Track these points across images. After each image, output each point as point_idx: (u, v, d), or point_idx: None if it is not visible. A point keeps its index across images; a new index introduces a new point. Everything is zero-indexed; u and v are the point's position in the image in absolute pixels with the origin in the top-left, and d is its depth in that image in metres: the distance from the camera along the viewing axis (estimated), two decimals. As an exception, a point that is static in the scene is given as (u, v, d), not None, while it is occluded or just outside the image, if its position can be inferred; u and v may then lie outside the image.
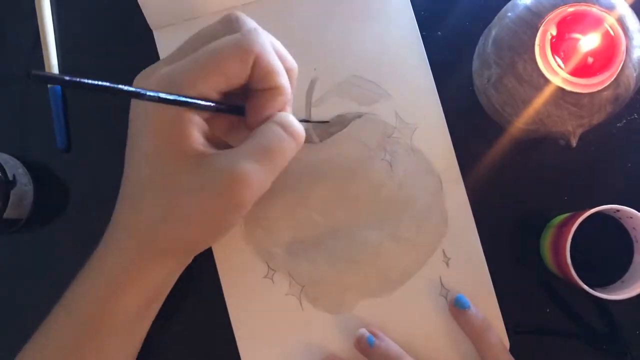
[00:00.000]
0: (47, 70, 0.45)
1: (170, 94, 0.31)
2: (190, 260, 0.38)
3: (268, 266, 0.43)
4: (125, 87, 0.30)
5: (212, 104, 0.33)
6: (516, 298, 0.42)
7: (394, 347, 0.40)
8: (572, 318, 0.42)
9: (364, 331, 0.41)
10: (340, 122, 0.43)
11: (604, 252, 0.41)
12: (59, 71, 0.45)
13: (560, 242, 0.38)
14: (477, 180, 0.43)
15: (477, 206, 0.43)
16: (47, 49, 0.45)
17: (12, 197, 0.41)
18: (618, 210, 0.37)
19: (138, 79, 0.35)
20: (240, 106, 0.35)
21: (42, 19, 0.46)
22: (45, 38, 0.45)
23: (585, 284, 0.37)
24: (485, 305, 0.41)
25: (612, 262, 0.41)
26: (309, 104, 0.43)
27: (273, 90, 0.34)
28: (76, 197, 0.45)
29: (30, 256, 0.45)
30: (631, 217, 0.38)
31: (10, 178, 0.42)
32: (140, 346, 0.40)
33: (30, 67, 0.46)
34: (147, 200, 0.35)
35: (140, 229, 0.35)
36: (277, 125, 0.34)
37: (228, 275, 0.43)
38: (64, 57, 0.46)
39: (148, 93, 0.31)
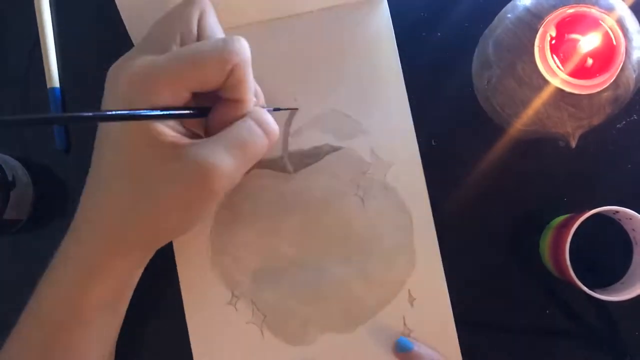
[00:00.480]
0: (45, 72, 0.45)
1: (132, 109, 0.32)
2: (152, 253, 0.38)
3: (232, 293, 0.43)
4: (85, 114, 0.30)
5: (176, 112, 0.34)
6: (516, 298, 0.42)
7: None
8: (572, 318, 0.42)
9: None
10: (316, 154, 0.43)
11: (603, 253, 0.41)
12: (59, 73, 0.45)
13: (559, 243, 0.38)
14: (477, 181, 0.43)
15: (476, 207, 0.43)
16: (46, 49, 0.45)
17: (12, 198, 0.41)
18: (617, 212, 0.37)
19: (112, 70, 0.35)
20: (205, 108, 0.36)
21: (41, 19, 0.46)
22: (45, 38, 0.45)
23: (585, 285, 0.37)
24: (447, 346, 0.42)
25: (612, 264, 0.41)
26: (286, 134, 0.43)
27: (239, 103, 0.35)
28: (76, 197, 0.45)
29: (30, 257, 0.45)
30: (630, 219, 0.38)
31: (10, 179, 0.42)
32: (113, 346, 0.40)
33: (30, 67, 0.46)
34: (116, 190, 0.35)
35: (106, 220, 0.35)
36: (252, 121, 0.35)
37: (191, 300, 0.43)
38: (63, 58, 0.46)
39: (108, 113, 0.31)
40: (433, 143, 0.43)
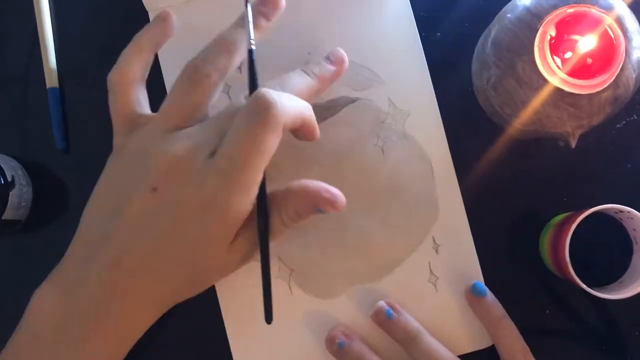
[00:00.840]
0: (45, 72, 0.45)
1: None
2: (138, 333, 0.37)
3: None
4: None
5: None
6: (515, 298, 0.42)
7: (412, 322, 0.40)
8: (572, 318, 0.42)
9: (382, 304, 0.41)
10: (334, 107, 0.43)
11: (602, 253, 0.41)
12: (58, 73, 0.45)
13: (559, 241, 0.38)
14: (476, 180, 0.43)
15: (475, 206, 0.43)
16: (46, 49, 0.45)
17: (11, 198, 0.41)
18: (621, 211, 0.37)
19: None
20: None
21: (41, 19, 0.46)
22: (44, 38, 0.45)
23: (584, 283, 0.37)
24: None
25: (611, 263, 0.41)
26: None
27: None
28: (75, 198, 0.45)
29: (29, 258, 0.45)
30: (632, 218, 0.38)
31: (9, 179, 0.42)
32: None
33: (30, 67, 0.46)
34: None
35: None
36: None
37: None
38: (63, 57, 0.46)
39: None
40: (433, 143, 0.43)
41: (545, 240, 0.41)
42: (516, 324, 0.42)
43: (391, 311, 0.40)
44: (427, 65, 0.43)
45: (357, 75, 0.43)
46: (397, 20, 0.44)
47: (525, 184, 0.43)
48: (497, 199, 0.43)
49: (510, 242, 0.43)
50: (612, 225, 0.41)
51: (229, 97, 0.43)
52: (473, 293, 0.41)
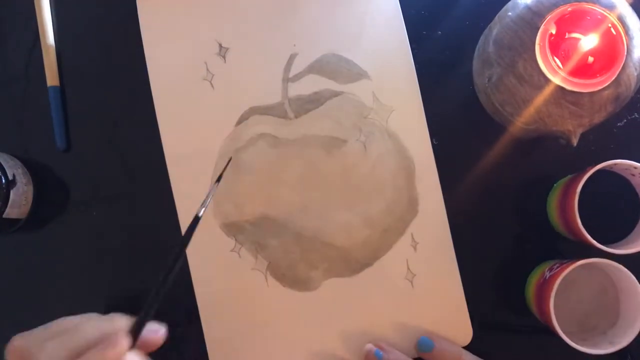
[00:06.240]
0: (46, 70, 0.45)
1: None
2: None
3: (235, 240, 0.43)
4: None
5: None
6: (516, 298, 0.42)
7: (402, 357, 0.40)
8: (572, 318, 0.42)
9: (370, 346, 0.41)
10: (317, 99, 0.43)
11: (608, 215, 0.41)
12: (59, 72, 0.45)
13: (568, 195, 0.38)
14: (477, 179, 0.43)
15: (476, 205, 0.43)
16: (47, 48, 0.45)
17: (12, 197, 0.41)
18: (635, 168, 0.38)
19: None
20: None
21: (42, 17, 0.46)
22: (45, 36, 0.45)
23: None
24: (451, 291, 0.42)
25: (617, 224, 0.41)
26: (286, 80, 0.43)
27: None
28: (76, 197, 0.45)
29: (29, 256, 0.45)
30: None
31: (10, 178, 0.42)
32: None
33: (30, 65, 0.46)
34: None
35: None
36: None
37: (194, 246, 0.42)
38: (63, 57, 0.46)
39: None
40: (434, 142, 0.43)
41: (553, 200, 0.41)
42: (516, 323, 0.42)
43: (380, 352, 0.40)
44: (413, 62, 0.43)
45: (342, 68, 0.43)
46: (385, 16, 0.43)
47: (526, 183, 0.43)
48: (498, 198, 0.43)
49: (510, 240, 0.43)
50: (619, 188, 0.41)
51: (212, 86, 0.43)
52: (421, 350, 0.41)
